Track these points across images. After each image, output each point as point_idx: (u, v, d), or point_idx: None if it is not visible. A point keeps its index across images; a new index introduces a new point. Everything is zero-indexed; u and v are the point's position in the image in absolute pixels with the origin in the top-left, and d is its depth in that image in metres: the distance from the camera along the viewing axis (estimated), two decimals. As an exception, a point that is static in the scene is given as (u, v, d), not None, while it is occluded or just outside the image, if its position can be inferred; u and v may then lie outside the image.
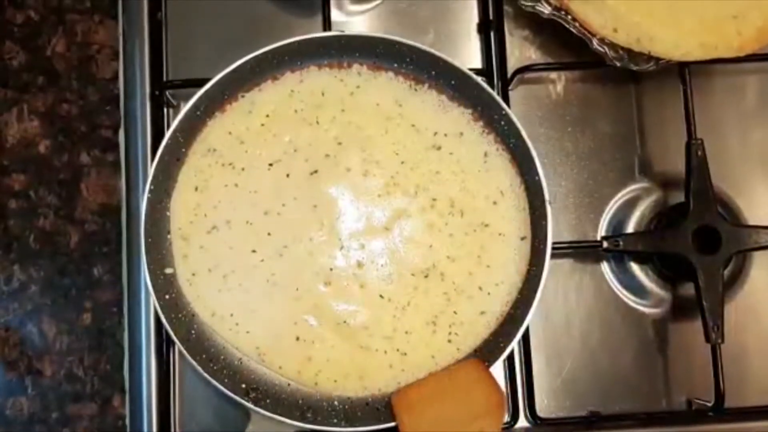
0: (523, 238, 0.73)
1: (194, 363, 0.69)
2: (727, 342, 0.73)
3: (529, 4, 0.75)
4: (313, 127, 0.73)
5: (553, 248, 0.70)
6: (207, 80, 0.71)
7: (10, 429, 0.76)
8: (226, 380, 0.69)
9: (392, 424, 0.68)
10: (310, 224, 0.72)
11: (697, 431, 0.76)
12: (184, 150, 0.73)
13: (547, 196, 0.71)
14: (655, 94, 0.82)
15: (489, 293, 0.72)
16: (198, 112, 0.72)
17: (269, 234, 0.72)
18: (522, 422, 0.75)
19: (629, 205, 0.81)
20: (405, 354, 0.71)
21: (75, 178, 0.80)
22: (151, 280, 0.69)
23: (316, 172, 0.73)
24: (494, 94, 0.72)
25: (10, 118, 0.80)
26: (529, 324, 0.70)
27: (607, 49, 0.74)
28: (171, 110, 0.79)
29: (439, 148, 0.74)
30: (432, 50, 0.72)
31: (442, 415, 0.67)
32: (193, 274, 0.72)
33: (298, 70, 0.74)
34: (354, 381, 0.71)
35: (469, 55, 0.82)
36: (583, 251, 0.80)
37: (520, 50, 0.82)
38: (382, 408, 0.70)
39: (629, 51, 0.74)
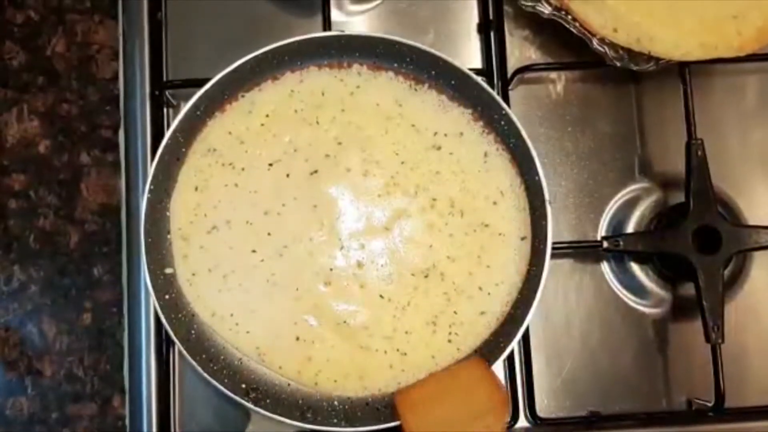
0: (523, 238, 0.73)
1: (194, 363, 0.69)
2: (727, 342, 0.73)
3: (529, 4, 0.75)
4: (313, 127, 0.73)
5: (553, 248, 0.70)
6: (207, 80, 0.71)
7: (10, 429, 0.76)
8: (226, 380, 0.69)
9: (392, 424, 0.68)
10: (310, 224, 0.72)
11: (697, 431, 0.75)
12: (184, 150, 0.73)
13: (547, 196, 0.71)
14: (655, 94, 0.82)
15: (489, 293, 0.72)
16: (198, 112, 0.72)
17: (269, 234, 0.72)
18: (522, 422, 0.75)
19: (629, 205, 0.81)
20: (405, 354, 0.71)
21: (75, 178, 0.80)
22: (151, 280, 0.69)
23: (316, 172, 0.73)
24: (494, 94, 0.72)
25: (10, 118, 0.80)
26: (529, 324, 0.70)
27: (607, 49, 0.74)
28: (171, 110, 0.79)
29: (439, 148, 0.74)
30: (432, 50, 0.72)
31: (446, 415, 0.67)
32: (193, 274, 0.72)
33: (298, 70, 0.74)
34: (354, 381, 0.71)
35: (469, 55, 0.82)
36: (583, 251, 0.79)
37: (520, 50, 0.82)
38: (382, 408, 0.70)
39: (629, 51, 0.74)
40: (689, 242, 0.74)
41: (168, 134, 0.71)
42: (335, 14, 0.80)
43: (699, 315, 0.73)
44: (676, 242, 0.74)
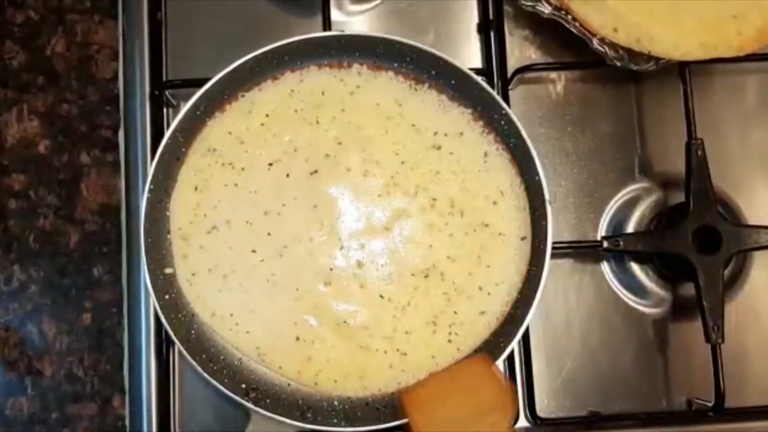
0: (523, 238, 0.73)
1: (194, 363, 0.69)
2: (727, 342, 0.73)
3: (529, 3, 0.75)
4: (313, 126, 0.73)
5: (553, 248, 0.70)
6: (207, 80, 0.71)
7: (10, 429, 0.76)
8: (226, 380, 0.69)
9: (392, 424, 0.68)
10: (310, 224, 0.72)
11: (697, 431, 0.75)
12: (183, 150, 0.73)
13: (547, 196, 0.71)
14: (655, 94, 0.82)
15: (489, 293, 0.72)
16: (198, 112, 0.72)
17: (269, 234, 0.72)
18: (522, 422, 0.75)
19: (629, 205, 0.81)
20: (405, 354, 0.71)
21: (75, 178, 0.80)
22: (151, 280, 0.69)
23: (316, 172, 0.73)
24: (494, 93, 0.72)
25: (10, 118, 0.80)
26: (529, 324, 0.70)
27: (607, 49, 0.74)
28: (171, 110, 0.79)
29: (439, 148, 0.74)
30: (432, 50, 0.72)
31: (453, 413, 0.67)
32: (193, 274, 0.72)
33: (298, 69, 0.74)
34: (354, 381, 0.71)
35: (469, 55, 0.82)
36: (583, 251, 0.79)
37: (520, 50, 0.82)
38: (382, 408, 0.70)
39: (629, 51, 0.74)
40: (689, 242, 0.74)
41: (168, 134, 0.71)
42: (335, 14, 0.80)
43: (699, 315, 0.73)
44: (676, 242, 0.74)
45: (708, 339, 0.73)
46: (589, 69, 0.81)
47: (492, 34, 0.80)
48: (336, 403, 0.71)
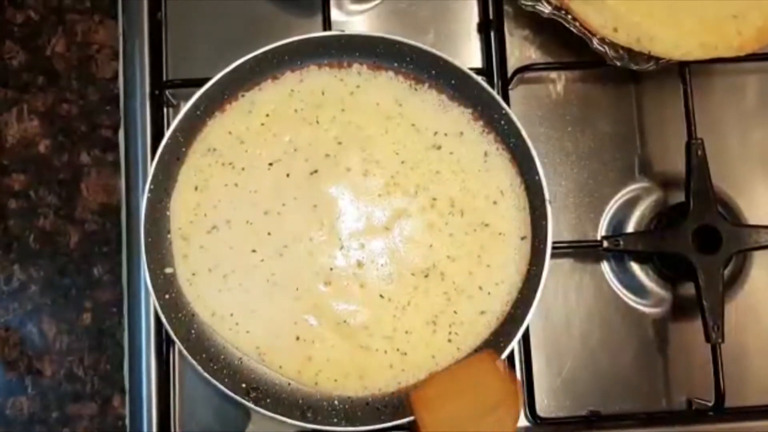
0: (523, 238, 0.73)
1: (194, 363, 0.69)
2: (727, 342, 0.73)
3: (529, 3, 0.75)
4: (313, 126, 0.73)
5: (553, 248, 0.70)
6: (207, 80, 0.71)
7: (10, 429, 0.76)
8: (226, 380, 0.69)
9: (392, 423, 0.68)
10: (310, 224, 0.72)
11: (697, 431, 0.75)
12: (184, 149, 0.73)
13: (547, 196, 0.71)
14: (655, 94, 0.82)
15: (489, 293, 0.72)
16: (198, 112, 0.72)
17: (269, 234, 0.72)
18: (522, 422, 0.75)
19: (629, 205, 0.81)
20: (405, 354, 0.71)
21: (75, 178, 0.80)
22: (151, 280, 0.69)
23: (316, 171, 0.73)
24: (494, 93, 0.72)
25: (10, 118, 0.80)
26: (529, 324, 0.70)
27: (607, 49, 0.74)
28: (171, 110, 0.79)
29: (439, 148, 0.74)
30: (432, 50, 0.72)
31: (460, 410, 0.67)
32: (193, 274, 0.72)
33: (298, 69, 0.74)
34: (354, 381, 0.71)
35: (469, 55, 0.82)
36: (583, 251, 0.80)
37: (520, 50, 0.82)
38: (382, 407, 0.70)
39: (629, 51, 0.74)
40: (689, 242, 0.74)
41: (168, 134, 0.71)
42: (335, 14, 0.80)
43: (699, 315, 0.73)
44: (676, 242, 0.74)
45: (708, 339, 0.73)
46: (589, 69, 0.81)
47: (492, 33, 0.80)
48: (336, 402, 0.71)
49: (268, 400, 0.70)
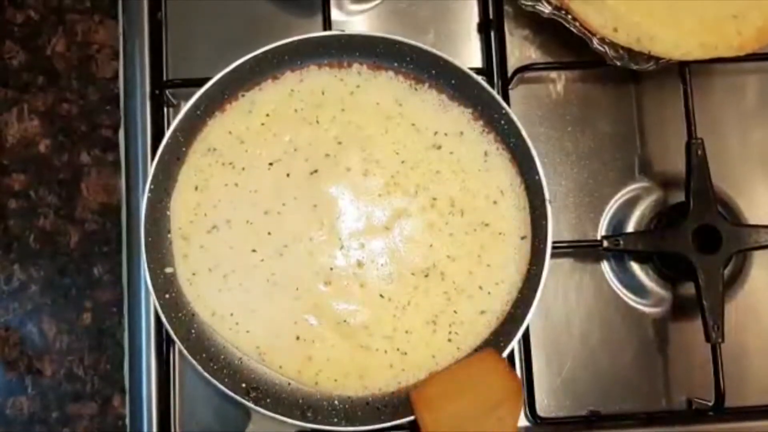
0: (523, 238, 0.73)
1: (194, 362, 0.69)
2: (727, 341, 0.73)
3: (530, 3, 0.75)
4: (313, 126, 0.74)
5: (553, 248, 0.70)
6: (207, 80, 0.71)
7: (10, 429, 0.76)
8: (226, 380, 0.69)
9: (392, 423, 0.68)
10: (310, 224, 0.72)
11: (697, 431, 0.75)
12: (184, 149, 0.73)
13: (547, 196, 0.71)
14: (655, 94, 0.82)
15: (489, 292, 0.72)
16: (198, 112, 0.72)
17: (269, 233, 0.72)
18: (522, 422, 0.75)
19: (629, 205, 0.81)
20: (405, 353, 0.71)
21: (75, 178, 0.80)
22: (151, 280, 0.69)
23: (316, 171, 0.73)
24: (494, 93, 0.72)
25: (10, 118, 0.80)
26: (529, 323, 0.70)
27: (607, 49, 0.74)
28: (171, 110, 0.79)
29: (439, 148, 0.74)
30: (432, 50, 0.72)
31: (462, 408, 0.67)
32: (194, 274, 0.72)
33: (298, 69, 0.74)
34: (354, 380, 0.71)
35: (469, 55, 0.82)
36: (583, 251, 0.80)
37: (520, 50, 0.82)
38: (382, 407, 0.70)
39: (629, 50, 0.74)
40: (689, 242, 0.74)
41: (168, 134, 0.71)
42: (335, 14, 0.80)
43: (699, 315, 0.73)
44: (676, 242, 0.74)
45: (708, 339, 0.73)
46: (589, 69, 0.81)
47: (492, 33, 0.80)
48: (336, 402, 0.71)
49: (268, 400, 0.70)
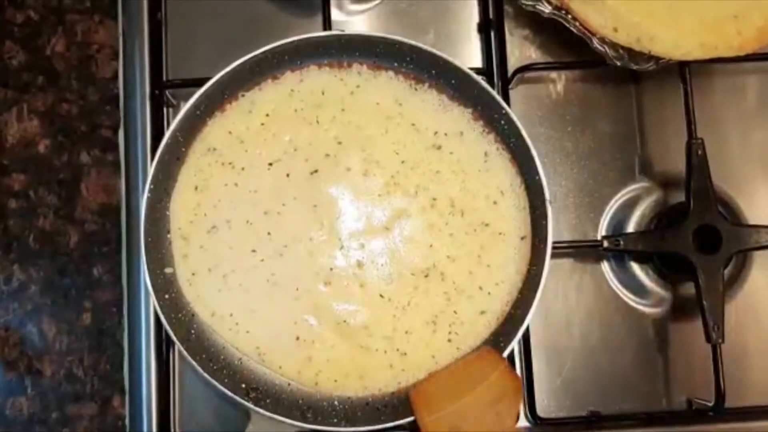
0: (523, 238, 0.73)
1: (194, 363, 0.68)
2: (727, 342, 0.73)
3: (530, 3, 0.75)
4: (313, 126, 0.73)
5: (554, 248, 0.70)
6: (207, 80, 0.71)
7: (10, 429, 0.76)
8: (226, 380, 0.69)
9: (392, 424, 0.68)
10: (310, 224, 0.72)
11: (697, 431, 0.75)
12: (184, 149, 0.73)
13: (547, 196, 0.71)
14: (656, 94, 0.82)
15: (489, 293, 0.72)
16: (198, 112, 0.72)
17: (269, 234, 0.72)
18: (522, 422, 0.75)
19: (629, 205, 0.81)
20: (405, 354, 0.71)
21: (75, 178, 0.80)
22: (151, 280, 0.69)
23: (316, 171, 0.73)
24: (494, 93, 0.72)
25: (10, 118, 0.80)
26: (529, 324, 0.70)
27: (607, 49, 0.74)
28: (171, 110, 0.79)
29: (439, 148, 0.74)
30: (432, 50, 0.72)
31: (462, 407, 0.67)
32: (193, 274, 0.72)
33: (298, 69, 0.74)
34: (354, 381, 0.71)
35: (469, 55, 0.82)
36: (584, 251, 0.80)
37: (520, 50, 0.82)
38: (382, 408, 0.70)
39: (629, 50, 0.74)
40: (689, 242, 0.73)
41: (168, 134, 0.71)
42: (335, 14, 0.80)
43: (699, 315, 0.73)
44: (676, 242, 0.74)
45: (708, 339, 0.72)
46: (589, 69, 0.81)
47: (492, 33, 0.80)
48: (336, 403, 0.71)
49: (268, 401, 0.69)
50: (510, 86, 0.79)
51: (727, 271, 0.78)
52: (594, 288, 0.80)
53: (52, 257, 0.79)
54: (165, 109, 0.79)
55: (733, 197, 0.81)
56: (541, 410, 0.76)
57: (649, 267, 0.80)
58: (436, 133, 0.74)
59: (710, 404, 0.74)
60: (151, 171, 0.70)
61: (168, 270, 0.72)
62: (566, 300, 0.80)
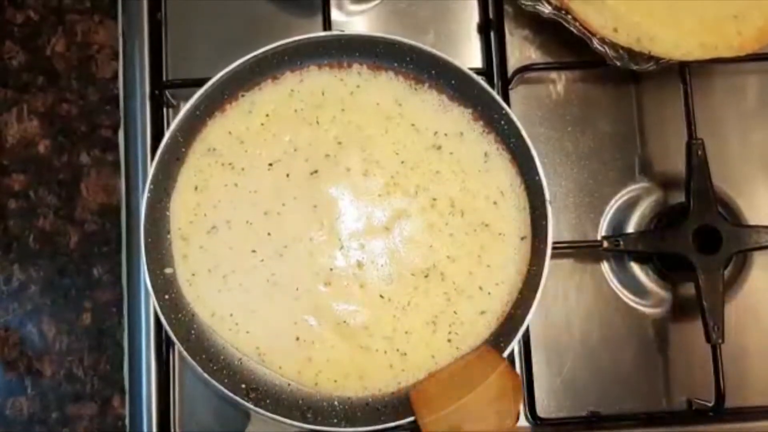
0: (523, 238, 0.73)
1: (194, 363, 0.68)
2: (727, 342, 0.73)
3: (530, 3, 0.75)
4: (313, 126, 0.73)
5: (554, 248, 0.70)
6: (207, 80, 0.71)
7: (10, 429, 0.76)
8: (226, 380, 0.69)
9: (392, 424, 0.68)
10: (310, 224, 0.72)
11: (697, 431, 0.75)
12: (183, 150, 0.73)
13: (547, 196, 0.71)
14: (655, 94, 0.82)
15: (489, 293, 0.72)
16: (198, 112, 0.72)
17: (269, 234, 0.72)
18: (522, 422, 0.75)
19: (629, 205, 0.81)
20: (405, 354, 0.71)
21: (75, 178, 0.80)
22: (151, 280, 0.69)
23: (316, 172, 0.73)
24: (494, 93, 0.72)
25: (10, 118, 0.80)
26: (529, 324, 0.70)
27: (607, 49, 0.74)
28: (171, 110, 0.79)
29: (439, 148, 0.74)
30: (432, 50, 0.72)
31: (461, 407, 0.67)
32: (193, 274, 0.72)
33: (298, 69, 0.74)
34: (354, 381, 0.71)
35: (469, 55, 0.82)
36: (583, 251, 0.80)
37: (520, 50, 0.82)
38: (382, 408, 0.70)
39: (629, 51, 0.74)
40: (689, 242, 0.74)
41: (168, 134, 0.71)
42: (335, 14, 0.80)
43: (699, 315, 0.73)
44: (676, 242, 0.74)
45: (708, 339, 0.73)
46: (589, 69, 0.81)
47: (492, 34, 0.80)
48: (336, 403, 0.71)
49: (267, 401, 0.69)
50: (510, 86, 0.79)
51: (727, 271, 0.78)
52: (594, 288, 0.80)
53: (52, 257, 0.79)
54: (165, 109, 0.79)
55: (733, 197, 0.81)
56: (541, 410, 0.76)
57: (649, 267, 0.80)
58: (436, 133, 0.74)
59: (710, 404, 0.74)
60: (151, 171, 0.70)
61: (168, 270, 0.72)
62: (566, 300, 0.80)
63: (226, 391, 0.68)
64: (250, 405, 0.68)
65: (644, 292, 0.80)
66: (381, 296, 0.72)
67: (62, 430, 0.77)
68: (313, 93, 0.74)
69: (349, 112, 0.74)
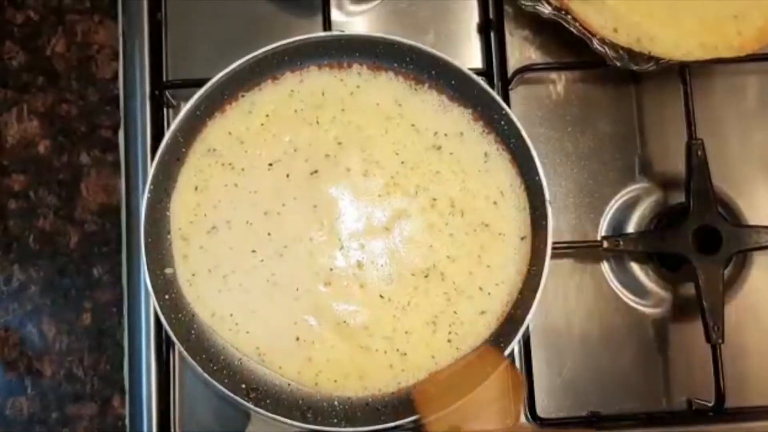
0: (523, 238, 0.73)
1: (194, 363, 0.68)
2: (727, 342, 0.73)
3: (530, 4, 0.75)
4: (313, 127, 0.73)
5: (554, 248, 0.70)
6: (207, 80, 0.71)
7: (9, 429, 0.76)
8: (226, 380, 0.69)
9: (392, 424, 0.68)
10: (310, 224, 0.72)
11: (697, 431, 0.75)
12: (184, 150, 0.73)
13: (547, 196, 0.71)
14: (655, 94, 0.82)
15: (489, 293, 0.72)
16: (198, 112, 0.72)
17: (269, 234, 0.72)
18: (522, 422, 0.75)
19: (629, 205, 0.81)
20: (405, 354, 0.71)
21: (75, 178, 0.80)
22: (151, 281, 0.69)
23: (316, 172, 0.73)
24: (494, 94, 0.72)
25: (10, 118, 0.80)
26: (529, 324, 0.70)
27: (607, 49, 0.74)
28: (171, 110, 0.79)
29: (439, 148, 0.74)
30: (432, 50, 0.72)
31: (462, 407, 0.67)
32: (193, 275, 0.72)
33: (298, 70, 0.74)
34: (354, 381, 0.71)
35: (469, 55, 0.82)
36: (584, 251, 0.79)
37: (520, 50, 0.82)
38: (382, 408, 0.70)
39: (629, 51, 0.74)
40: (689, 242, 0.74)
41: (168, 134, 0.71)
42: (335, 14, 0.80)
43: (699, 315, 0.73)
44: (676, 242, 0.74)
45: (708, 339, 0.73)
46: (589, 69, 0.81)
47: (492, 34, 0.80)
48: (336, 403, 0.71)
49: (268, 401, 0.69)
50: (510, 87, 0.79)
51: (727, 271, 0.78)
52: (594, 288, 0.80)
53: (52, 257, 0.79)
54: (165, 110, 0.79)
55: (733, 198, 0.81)
56: (541, 410, 0.76)
57: (649, 267, 0.80)
58: (436, 133, 0.74)
59: (710, 404, 0.74)
60: (151, 171, 0.70)
61: (168, 270, 0.72)
62: (566, 300, 0.80)
63: (226, 391, 0.68)
64: (250, 405, 0.68)
65: (644, 292, 0.80)
66: (381, 296, 0.72)
67: (62, 430, 0.77)
68: (313, 93, 0.74)
69: (349, 112, 0.74)
